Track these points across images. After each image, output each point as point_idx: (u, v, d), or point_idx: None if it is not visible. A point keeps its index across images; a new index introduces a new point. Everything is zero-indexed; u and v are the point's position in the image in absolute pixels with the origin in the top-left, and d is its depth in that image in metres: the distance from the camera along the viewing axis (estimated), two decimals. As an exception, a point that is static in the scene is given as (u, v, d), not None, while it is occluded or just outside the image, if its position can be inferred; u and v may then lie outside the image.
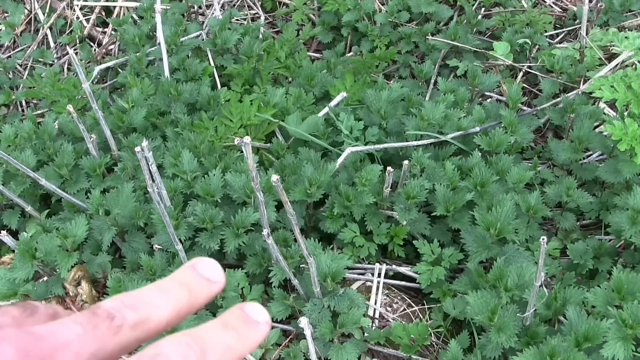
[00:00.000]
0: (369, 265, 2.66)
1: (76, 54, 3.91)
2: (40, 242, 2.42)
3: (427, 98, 3.36)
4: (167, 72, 3.27)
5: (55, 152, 2.89)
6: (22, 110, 3.86)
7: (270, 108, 2.94)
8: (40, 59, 4.07)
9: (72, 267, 2.43)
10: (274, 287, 2.41)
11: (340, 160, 2.70)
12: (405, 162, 2.56)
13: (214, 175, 2.53)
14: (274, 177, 1.63)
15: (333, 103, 3.02)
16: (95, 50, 4.04)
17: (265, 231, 2.03)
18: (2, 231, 2.41)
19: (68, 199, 2.70)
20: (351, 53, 3.81)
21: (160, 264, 2.43)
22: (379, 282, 2.60)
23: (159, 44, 3.44)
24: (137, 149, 1.85)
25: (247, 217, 2.41)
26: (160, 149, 2.86)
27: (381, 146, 2.80)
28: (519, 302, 2.21)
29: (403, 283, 2.65)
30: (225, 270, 2.34)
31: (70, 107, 2.57)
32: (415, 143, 2.81)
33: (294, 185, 2.58)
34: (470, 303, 2.17)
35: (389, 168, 2.48)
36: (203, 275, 0.59)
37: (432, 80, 3.46)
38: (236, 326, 0.56)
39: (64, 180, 2.82)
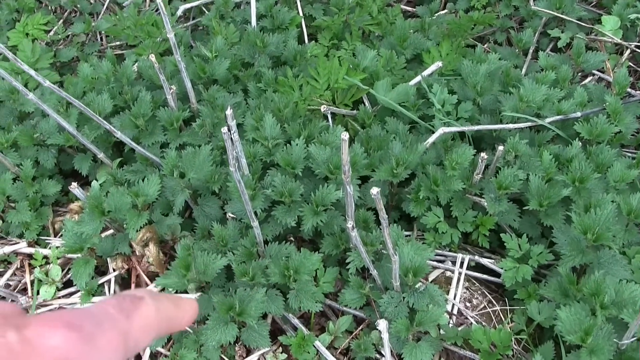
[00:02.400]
0: (450, 253, 2.51)
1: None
2: (111, 198, 2.31)
3: (523, 71, 3.14)
4: (253, 18, 3.10)
5: (133, 99, 2.77)
6: (101, 39, 3.74)
7: (360, 72, 2.76)
8: (122, -13, 3.93)
9: (141, 227, 2.33)
10: (351, 273, 2.27)
11: (430, 140, 2.53)
12: (500, 147, 2.36)
13: (297, 145, 2.37)
14: (374, 190, 1.47)
15: (427, 72, 2.81)
16: (179, -16, 3.88)
17: (350, 223, 1.88)
18: (72, 183, 2.31)
19: (142, 153, 2.59)
20: (445, 10, 3.59)
21: (232, 234, 2.31)
22: (460, 274, 2.45)
23: (247, -14, 3.28)
24: (224, 129, 1.70)
25: (329, 194, 2.26)
26: (241, 107, 2.71)
27: (475, 128, 2.61)
28: (614, 319, 2.04)
29: (485, 276, 2.49)
30: (300, 248, 2.23)
31: (152, 57, 2.43)
32: (511, 126, 2.62)
33: (379, 163, 2.42)
34: (561, 318, 2.00)
35: (482, 154, 2.30)
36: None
37: (531, 51, 3.24)
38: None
39: (140, 131, 2.70)
